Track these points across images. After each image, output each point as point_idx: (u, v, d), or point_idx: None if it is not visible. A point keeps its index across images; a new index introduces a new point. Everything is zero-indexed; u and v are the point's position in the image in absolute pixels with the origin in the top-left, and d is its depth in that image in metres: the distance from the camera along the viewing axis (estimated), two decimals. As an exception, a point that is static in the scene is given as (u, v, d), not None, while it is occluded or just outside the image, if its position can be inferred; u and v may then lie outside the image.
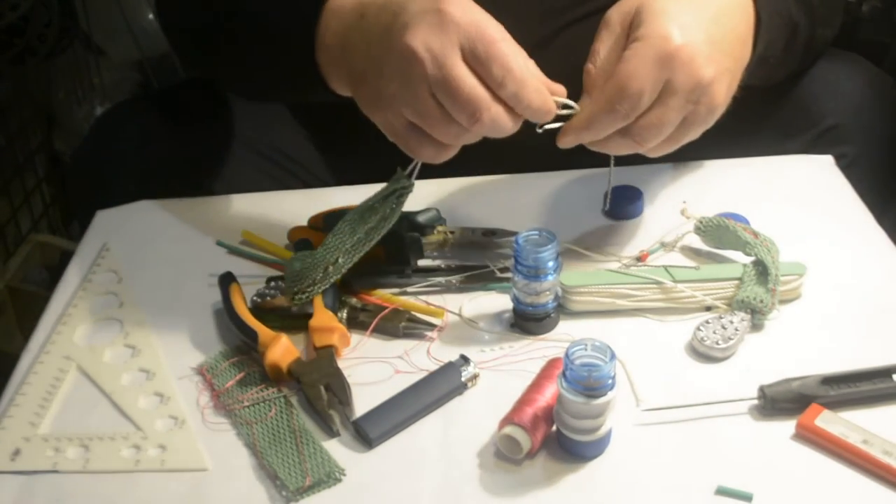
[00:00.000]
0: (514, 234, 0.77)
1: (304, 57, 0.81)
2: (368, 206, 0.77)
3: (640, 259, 0.84)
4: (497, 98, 0.70)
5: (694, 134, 0.78)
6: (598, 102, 0.74)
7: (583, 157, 0.97)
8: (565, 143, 0.76)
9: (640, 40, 0.73)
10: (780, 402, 0.69)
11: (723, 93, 0.76)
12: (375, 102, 0.74)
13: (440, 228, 0.86)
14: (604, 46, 0.77)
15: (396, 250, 0.84)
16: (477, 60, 0.69)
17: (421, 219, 0.85)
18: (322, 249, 0.77)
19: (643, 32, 0.73)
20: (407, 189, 0.77)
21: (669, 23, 0.73)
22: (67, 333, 0.81)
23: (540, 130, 0.74)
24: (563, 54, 0.98)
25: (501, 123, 0.70)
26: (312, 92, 0.84)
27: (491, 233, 0.85)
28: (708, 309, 0.79)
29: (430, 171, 0.87)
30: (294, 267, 0.78)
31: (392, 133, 0.74)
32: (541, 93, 0.71)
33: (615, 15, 0.77)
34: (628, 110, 0.73)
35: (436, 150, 0.74)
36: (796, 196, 0.92)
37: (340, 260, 0.77)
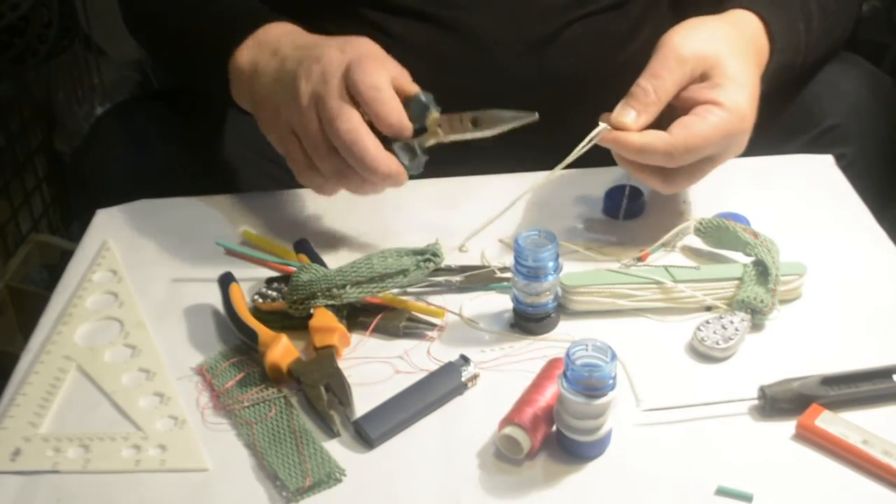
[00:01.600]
0: (501, 119, 0.79)
1: (218, 64, 0.89)
2: (398, 254, 0.78)
3: (640, 259, 0.84)
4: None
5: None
6: (661, 141, 0.78)
7: (583, 157, 0.97)
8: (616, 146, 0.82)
9: (720, 108, 0.78)
10: (780, 402, 0.69)
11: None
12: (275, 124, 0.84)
13: (433, 116, 0.83)
14: (669, 74, 0.80)
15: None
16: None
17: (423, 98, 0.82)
18: (336, 271, 0.77)
19: (723, 100, 0.78)
20: (436, 260, 0.78)
21: (742, 95, 0.79)
22: (67, 333, 0.81)
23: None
24: (563, 53, 0.98)
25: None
26: (217, 93, 0.92)
27: (478, 121, 0.83)
28: (708, 309, 0.79)
29: (430, 171, 0.86)
30: (301, 278, 0.78)
31: (286, 156, 0.84)
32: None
33: (691, 55, 0.80)
34: (682, 161, 0.79)
35: (318, 180, 0.83)
36: (796, 196, 0.92)
37: (349, 288, 0.77)
